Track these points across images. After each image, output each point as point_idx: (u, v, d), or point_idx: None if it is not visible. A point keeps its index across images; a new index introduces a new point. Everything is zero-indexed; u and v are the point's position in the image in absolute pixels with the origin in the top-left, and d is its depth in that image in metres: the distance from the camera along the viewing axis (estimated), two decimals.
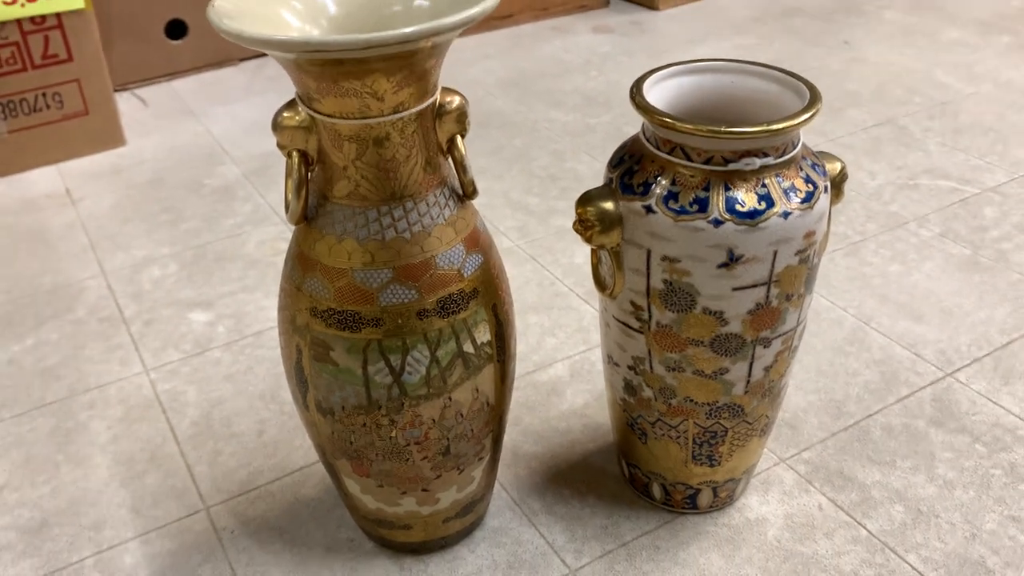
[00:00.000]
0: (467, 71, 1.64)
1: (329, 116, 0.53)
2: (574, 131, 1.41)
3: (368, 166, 0.55)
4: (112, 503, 0.78)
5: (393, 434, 0.61)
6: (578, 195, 1.21)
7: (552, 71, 1.64)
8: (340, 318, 0.57)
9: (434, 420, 0.61)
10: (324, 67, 0.50)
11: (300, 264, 0.59)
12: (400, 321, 0.57)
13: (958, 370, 0.89)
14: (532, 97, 1.54)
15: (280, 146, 0.56)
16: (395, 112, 0.53)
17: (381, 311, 0.57)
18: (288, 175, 0.56)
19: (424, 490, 0.65)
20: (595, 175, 1.28)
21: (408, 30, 0.47)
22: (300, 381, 0.62)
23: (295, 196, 0.56)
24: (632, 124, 1.41)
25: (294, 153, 0.55)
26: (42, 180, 1.32)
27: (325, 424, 0.62)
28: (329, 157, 0.56)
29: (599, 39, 1.79)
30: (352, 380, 0.59)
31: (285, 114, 0.55)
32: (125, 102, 1.54)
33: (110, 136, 1.39)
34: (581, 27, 1.85)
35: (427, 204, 0.57)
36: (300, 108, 0.55)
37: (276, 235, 1.16)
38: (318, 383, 0.60)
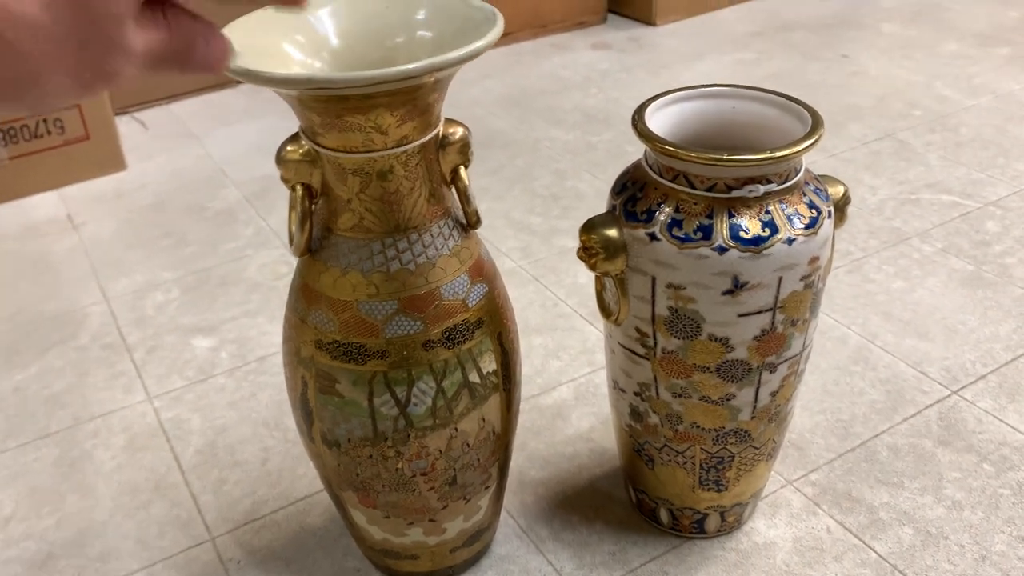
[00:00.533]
0: (467, 91, 1.65)
1: (333, 150, 0.53)
2: (575, 149, 1.41)
3: (372, 199, 0.55)
4: (118, 534, 0.77)
5: (399, 466, 0.60)
6: (580, 214, 1.21)
7: (552, 89, 1.65)
8: (345, 350, 0.57)
9: (440, 451, 0.61)
10: (328, 103, 0.50)
11: (304, 296, 0.59)
12: (406, 353, 0.57)
13: (964, 388, 0.89)
14: (532, 115, 1.54)
15: (284, 180, 0.56)
16: (399, 145, 0.53)
17: (387, 343, 0.57)
18: (292, 208, 0.56)
19: (431, 520, 0.65)
20: (596, 194, 1.28)
21: (412, 66, 0.47)
22: (305, 413, 0.61)
23: (299, 229, 0.56)
24: (633, 142, 1.41)
25: (298, 187, 0.56)
26: (44, 205, 1.32)
27: (331, 456, 0.62)
28: (333, 190, 0.56)
29: (598, 56, 1.79)
30: (358, 412, 0.58)
31: (288, 148, 0.55)
32: (125, 126, 1.55)
33: (111, 160, 1.39)
34: (579, 44, 1.86)
35: (431, 235, 0.57)
36: (304, 142, 0.55)
37: (278, 259, 1.16)
38: (323, 415, 0.60)
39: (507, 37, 1.86)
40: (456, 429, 0.60)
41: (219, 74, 0.36)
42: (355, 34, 0.57)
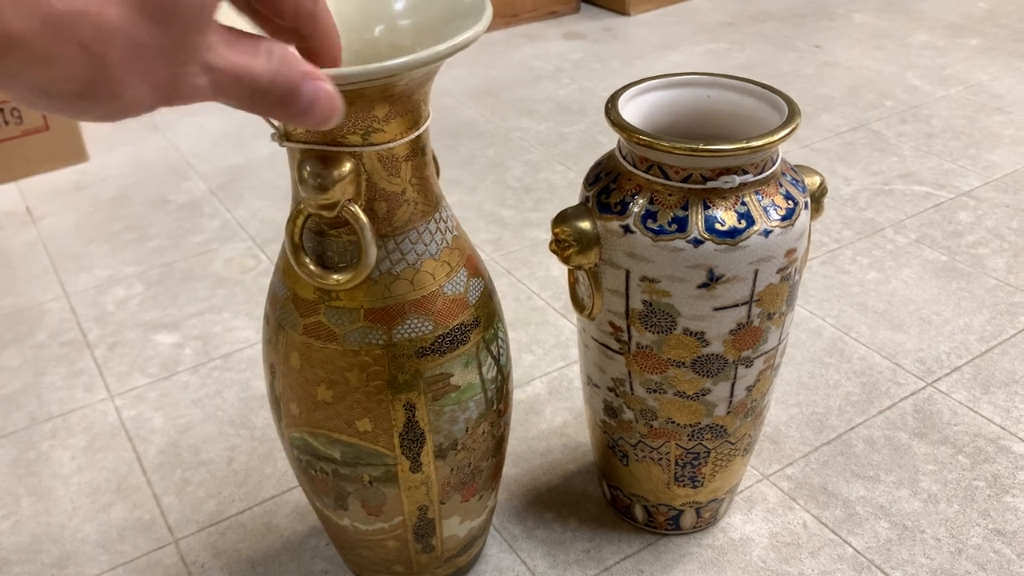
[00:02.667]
0: (437, 81, 1.62)
1: (389, 142, 0.49)
2: (547, 140, 1.39)
3: (419, 180, 0.53)
4: (76, 538, 0.75)
5: (500, 425, 0.62)
6: (553, 206, 1.19)
7: (524, 79, 1.63)
8: (451, 339, 0.55)
9: (511, 391, 0.63)
10: (415, 84, 0.48)
11: (379, 320, 0.53)
12: (487, 310, 0.58)
13: (938, 379, 0.88)
14: (504, 106, 1.52)
15: (328, 207, 0.49)
16: (429, 116, 0.53)
17: (475, 310, 0.57)
18: (296, 244, 0.51)
19: (497, 476, 0.67)
20: (569, 185, 1.26)
21: (481, 24, 0.47)
22: (413, 440, 0.57)
23: (374, 245, 0.51)
24: (606, 133, 1.40)
25: (350, 206, 0.50)
26: (1, 198, 1.28)
27: (444, 467, 0.58)
28: (384, 189, 0.51)
29: (570, 45, 1.77)
30: (473, 392, 0.58)
31: (332, 168, 0.48)
32: None
33: (72, 151, 1.36)
34: (552, 33, 1.84)
35: (445, 198, 0.58)
36: (341, 152, 0.49)
37: (244, 252, 1.13)
38: (438, 425, 0.57)
39: None
40: (511, 367, 0.63)
41: (324, 127, 0.34)
42: (338, 22, 0.55)
